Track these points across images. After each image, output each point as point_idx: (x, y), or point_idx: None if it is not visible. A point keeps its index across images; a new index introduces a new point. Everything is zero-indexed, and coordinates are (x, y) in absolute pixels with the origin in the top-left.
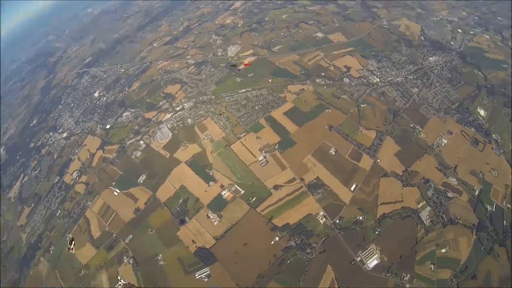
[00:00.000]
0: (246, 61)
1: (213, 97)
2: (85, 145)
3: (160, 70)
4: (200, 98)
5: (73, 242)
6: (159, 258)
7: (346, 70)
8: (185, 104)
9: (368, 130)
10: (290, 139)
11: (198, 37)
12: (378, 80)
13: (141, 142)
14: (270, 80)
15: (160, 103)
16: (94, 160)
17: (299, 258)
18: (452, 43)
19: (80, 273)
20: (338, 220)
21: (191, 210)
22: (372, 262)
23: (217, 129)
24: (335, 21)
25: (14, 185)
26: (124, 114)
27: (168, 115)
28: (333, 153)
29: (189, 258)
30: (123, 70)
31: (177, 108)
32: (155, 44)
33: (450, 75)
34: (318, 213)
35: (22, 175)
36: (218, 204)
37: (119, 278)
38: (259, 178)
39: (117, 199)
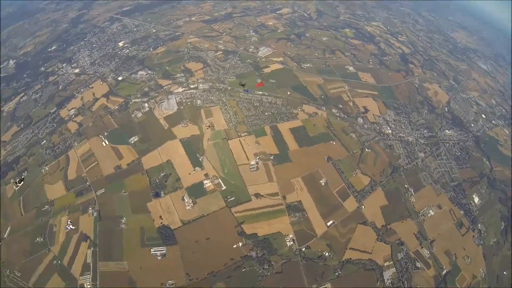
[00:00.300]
0: (258, 83)
1: (229, 88)
2: (92, 87)
3: (188, 44)
4: (217, 84)
5: (22, 182)
6: (123, 221)
7: (363, 111)
8: (201, 85)
9: (363, 175)
10: (287, 155)
11: (236, 27)
12: (390, 132)
13: (146, 105)
14: (288, 93)
15: (177, 75)
16: (95, 105)
17: (254, 270)
18: (472, 125)
19: (43, 207)
20: (304, 248)
21: (169, 187)
22: None
23: (222, 119)
24: (370, 62)
25: (11, 101)
26: (139, 73)
27: (181, 89)
28: (323, 183)
29: (150, 232)
30: (154, 31)
31: (192, 86)
32: (193, 18)
33: (459, 153)
34: (288, 235)
35: (23, 93)
36: (196, 191)
37: (68, 223)
38: (244, 181)
39: (103, 150)
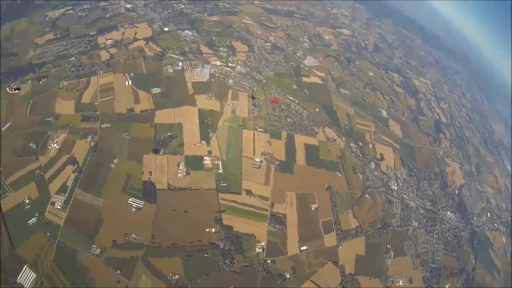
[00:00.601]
0: (273, 99)
1: (264, 81)
2: (137, 27)
3: (242, 24)
4: (254, 73)
5: (18, 90)
6: (115, 161)
7: (379, 158)
8: (239, 67)
9: (354, 217)
10: (292, 167)
11: (293, 27)
12: (396, 189)
13: (180, 63)
14: (317, 110)
15: (220, 48)
16: (133, 45)
17: (215, 260)
18: (475, 218)
19: (47, 117)
20: (270, 261)
21: (170, 148)
22: None
23: (245, 107)
24: (405, 115)
25: (58, 10)
26: (186, 31)
27: (218, 63)
28: (313, 208)
29: (136, 182)
30: None
31: (230, 64)
32: (256, 1)
33: (451, 239)
34: (260, 241)
35: (70, 7)
36: (194, 163)
37: (56, 141)
38: (242, 173)
39: (124, 89)
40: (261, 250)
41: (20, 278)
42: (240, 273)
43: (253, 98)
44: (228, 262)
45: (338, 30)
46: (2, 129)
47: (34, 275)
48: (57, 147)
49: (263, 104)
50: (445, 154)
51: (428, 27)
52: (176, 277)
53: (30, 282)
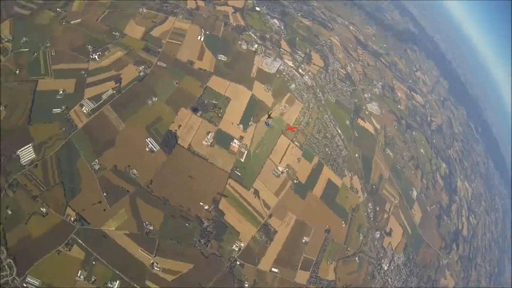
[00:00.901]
0: (293, 126)
1: (323, 102)
2: None
3: (328, 41)
4: (318, 90)
5: None
6: (153, 99)
7: (387, 231)
8: (306, 77)
9: (334, 271)
10: (306, 193)
11: (372, 68)
12: (385, 268)
13: (256, 45)
14: (356, 155)
15: (298, 52)
16: (222, 8)
17: (191, 234)
18: None
19: (114, 31)
20: (238, 263)
21: (208, 115)
22: None
23: (294, 116)
24: (432, 207)
25: None
26: (274, 20)
27: (291, 64)
28: (303, 240)
29: (162, 127)
30: (315, 4)
31: (300, 70)
32: (351, 27)
33: None
34: (241, 241)
35: None
36: (222, 140)
37: (111, 54)
38: (260, 172)
39: (194, 42)
40: (237, 249)
41: (20, 151)
42: (207, 258)
43: (269, 116)
44: (202, 242)
45: (412, 93)
46: (72, 22)
47: (33, 156)
48: (110, 60)
49: (288, 131)
50: (448, 266)
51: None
52: (150, 228)
53: (27, 160)
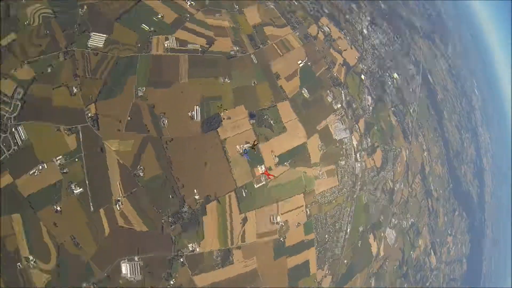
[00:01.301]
0: (272, 174)
1: (354, 196)
2: (347, 50)
3: (405, 151)
4: (358, 183)
5: None
6: (225, 80)
7: None
8: (359, 165)
9: None
10: (281, 256)
11: (418, 207)
12: None
13: (339, 105)
14: (345, 261)
15: (368, 139)
16: (334, 54)
17: (166, 207)
18: None
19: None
20: (181, 260)
21: (258, 129)
22: None
23: (322, 188)
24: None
25: None
26: (368, 96)
27: (355, 143)
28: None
29: (216, 107)
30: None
31: (357, 154)
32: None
33: None
34: (200, 246)
35: None
36: (253, 158)
37: None
38: (260, 207)
39: (293, 63)
40: (191, 249)
41: (94, 34)
42: (162, 234)
43: (254, 145)
44: (170, 220)
45: (431, 249)
46: None
47: (100, 46)
48: (215, 23)
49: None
50: None
51: None
52: (140, 173)
53: (93, 44)
